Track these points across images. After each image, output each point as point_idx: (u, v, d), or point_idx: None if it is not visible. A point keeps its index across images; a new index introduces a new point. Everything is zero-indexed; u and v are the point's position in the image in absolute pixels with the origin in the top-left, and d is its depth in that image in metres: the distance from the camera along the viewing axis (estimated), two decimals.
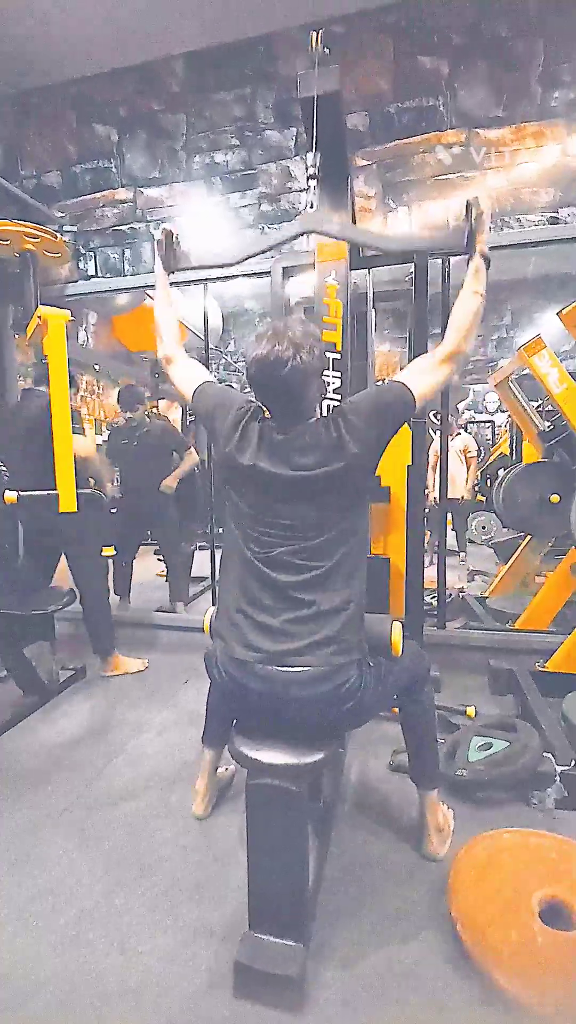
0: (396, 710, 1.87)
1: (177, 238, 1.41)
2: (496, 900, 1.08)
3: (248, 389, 1.15)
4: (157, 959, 1.09)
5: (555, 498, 2.58)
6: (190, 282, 2.75)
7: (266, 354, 1.02)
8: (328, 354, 1.63)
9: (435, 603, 2.55)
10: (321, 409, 1.22)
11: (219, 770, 1.57)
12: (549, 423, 2.87)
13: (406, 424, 1.61)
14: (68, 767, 1.77)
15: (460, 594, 3.28)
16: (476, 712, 1.93)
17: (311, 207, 1.40)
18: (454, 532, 4.79)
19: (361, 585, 1.10)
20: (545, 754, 1.54)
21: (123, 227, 2.86)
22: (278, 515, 1.06)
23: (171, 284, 1.44)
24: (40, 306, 2.06)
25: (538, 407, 3.15)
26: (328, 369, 1.65)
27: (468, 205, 1.16)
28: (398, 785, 1.60)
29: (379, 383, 1.18)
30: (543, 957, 0.98)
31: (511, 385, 3.12)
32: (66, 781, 1.69)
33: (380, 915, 1.18)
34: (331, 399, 1.61)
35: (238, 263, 1.42)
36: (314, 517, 1.05)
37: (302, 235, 1.34)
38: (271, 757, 1.03)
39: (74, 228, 2.94)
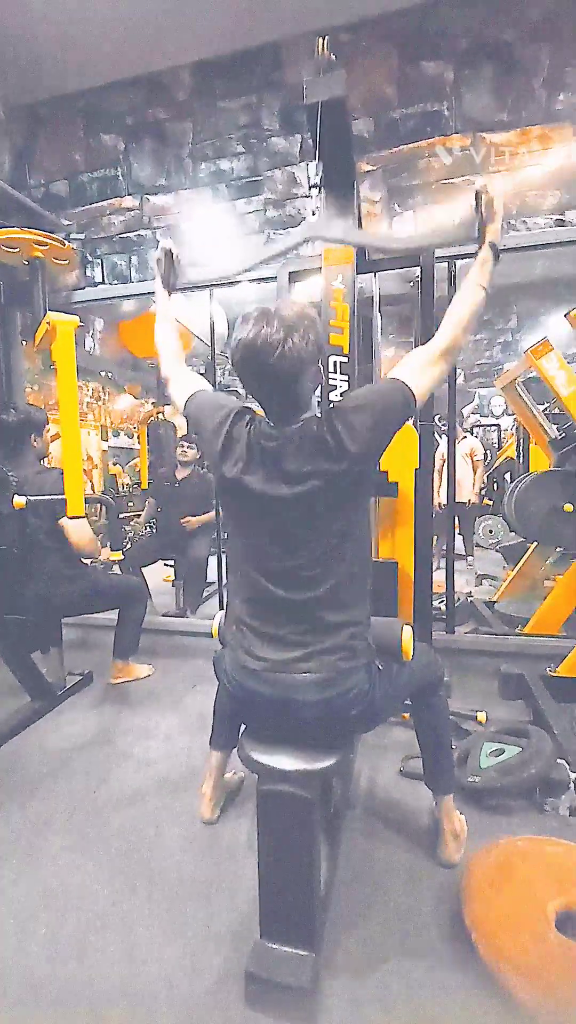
0: (406, 716, 1.87)
1: (177, 256, 1.36)
2: (511, 908, 1.06)
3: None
4: (165, 967, 1.08)
5: (568, 507, 2.54)
6: (195, 287, 2.76)
7: (253, 337, 0.91)
8: (335, 357, 1.64)
9: (443, 607, 2.54)
10: (317, 399, 1.11)
11: (227, 775, 1.56)
12: (561, 431, 2.83)
13: (412, 427, 1.60)
14: (74, 772, 1.76)
15: (468, 598, 3.26)
16: (487, 717, 1.91)
17: (314, 215, 1.40)
18: (461, 536, 4.77)
19: (366, 589, 1.07)
20: (559, 760, 1.52)
21: (130, 234, 2.89)
22: (275, 526, 1.01)
23: (175, 289, 1.43)
24: (48, 312, 2.07)
25: (545, 410, 3.13)
26: (335, 372, 1.65)
27: (477, 194, 1.10)
28: (409, 791, 1.58)
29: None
30: (559, 967, 0.96)
31: (518, 388, 3.11)
32: (72, 786, 1.68)
33: (391, 922, 1.16)
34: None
35: (241, 273, 1.40)
36: (311, 524, 0.99)
37: (306, 242, 1.33)
38: (282, 762, 1.01)
39: (81, 236, 2.97)
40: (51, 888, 1.28)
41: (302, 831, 1.01)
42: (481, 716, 1.91)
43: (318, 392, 1.14)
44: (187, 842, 1.43)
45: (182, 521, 3.27)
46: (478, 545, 4.89)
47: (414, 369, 1.02)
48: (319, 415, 1.01)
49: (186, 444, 3.47)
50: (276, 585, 1.02)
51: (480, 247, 1.10)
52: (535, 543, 3.11)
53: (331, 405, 0.99)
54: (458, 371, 2.44)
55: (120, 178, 2.89)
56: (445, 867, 1.29)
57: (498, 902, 1.09)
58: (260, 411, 1.05)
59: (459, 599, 2.98)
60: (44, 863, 1.36)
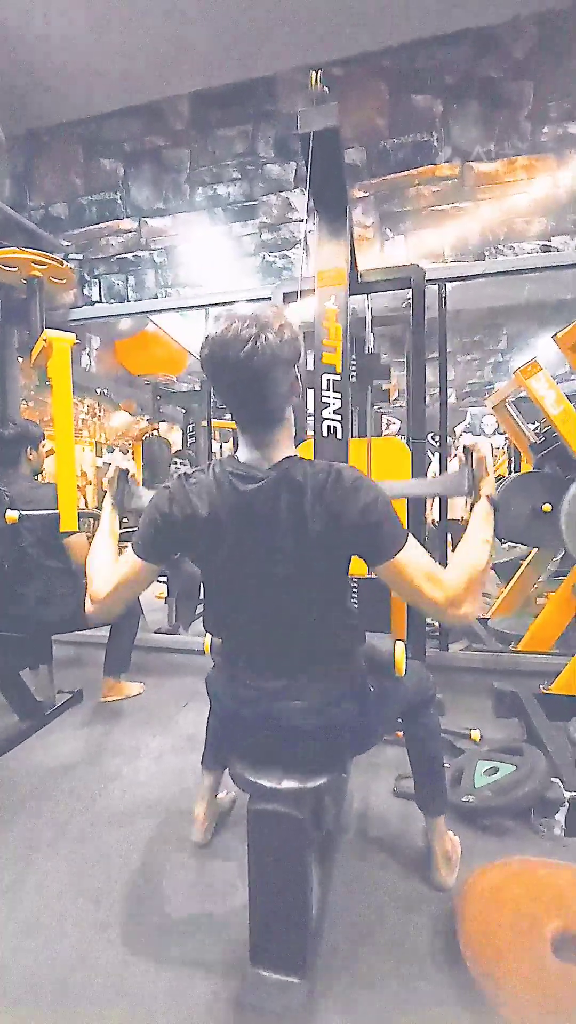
0: (400, 734, 1.85)
1: (132, 476, 1.28)
2: (507, 932, 1.04)
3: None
4: (155, 996, 1.04)
5: (547, 507, 2.58)
6: (192, 307, 2.82)
7: (223, 332, 0.85)
8: (327, 375, 1.66)
9: (437, 624, 2.53)
10: (295, 413, 1.04)
11: (219, 795, 1.53)
12: (540, 435, 2.92)
13: (404, 444, 1.59)
14: (63, 793, 1.72)
15: None
16: (481, 736, 1.89)
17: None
18: (454, 553, 4.78)
19: (351, 612, 1.06)
20: (553, 779, 1.51)
21: (127, 255, 2.94)
22: (248, 586, 0.97)
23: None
24: (45, 329, 2.09)
25: (535, 429, 3.18)
26: (327, 390, 1.67)
27: (467, 450, 1.11)
28: (402, 811, 1.56)
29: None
30: (555, 990, 0.94)
31: (508, 407, 3.16)
32: (60, 808, 1.65)
33: (385, 946, 1.13)
34: (331, 419, 1.63)
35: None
36: (287, 584, 0.94)
37: None
38: (273, 781, 1.00)
39: (80, 256, 3.02)
40: (36, 914, 1.25)
41: (294, 852, 0.99)
42: (475, 734, 1.89)
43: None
44: (177, 865, 1.39)
45: None
46: None
47: (421, 561, 0.90)
48: (319, 462, 0.93)
49: (179, 461, 3.47)
50: (259, 631, 1.01)
51: (477, 501, 1.07)
52: (528, 558, 3.13)
53: (332, 465, 0.91)
54: (450, 390, 2.48)
55: (119, 201, 2.95)
56: (438, 891, 1.27)
57: (493, 926, 1.07)
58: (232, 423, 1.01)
59: None
60: (30, 888, 1.33)
